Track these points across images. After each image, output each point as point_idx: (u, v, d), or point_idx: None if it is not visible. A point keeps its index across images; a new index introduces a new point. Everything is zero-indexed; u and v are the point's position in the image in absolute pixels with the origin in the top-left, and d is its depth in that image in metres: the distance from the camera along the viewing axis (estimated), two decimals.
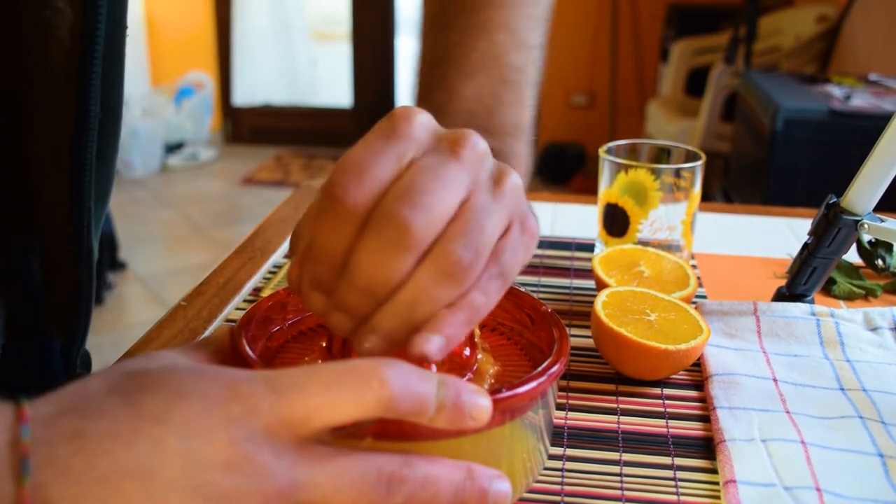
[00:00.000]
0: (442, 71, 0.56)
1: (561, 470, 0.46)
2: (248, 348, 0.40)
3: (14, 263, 0.52)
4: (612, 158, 0.69)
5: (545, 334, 0.44)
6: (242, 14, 4.49)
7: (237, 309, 0.65)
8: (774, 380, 0.54)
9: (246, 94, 4.62)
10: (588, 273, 0.72)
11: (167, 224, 3.43)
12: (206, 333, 0.61)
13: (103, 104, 0.48)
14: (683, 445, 0.48)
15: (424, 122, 0.38)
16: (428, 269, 0.35)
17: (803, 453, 0.46)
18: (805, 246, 0.63)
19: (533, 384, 0.38)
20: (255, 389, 0.31)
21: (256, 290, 0.68)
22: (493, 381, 0.43)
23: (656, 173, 0.67)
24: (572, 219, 0.86)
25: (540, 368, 0.39)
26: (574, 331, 0.61)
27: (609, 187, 0.69)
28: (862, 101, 1.89)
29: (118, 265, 2.85)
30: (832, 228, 0.60)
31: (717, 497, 0.43)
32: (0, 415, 0.29)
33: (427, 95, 0.57)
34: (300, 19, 4.66)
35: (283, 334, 0.47)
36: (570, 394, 0.53)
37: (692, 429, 0.50)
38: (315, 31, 4.83)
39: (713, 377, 0.54)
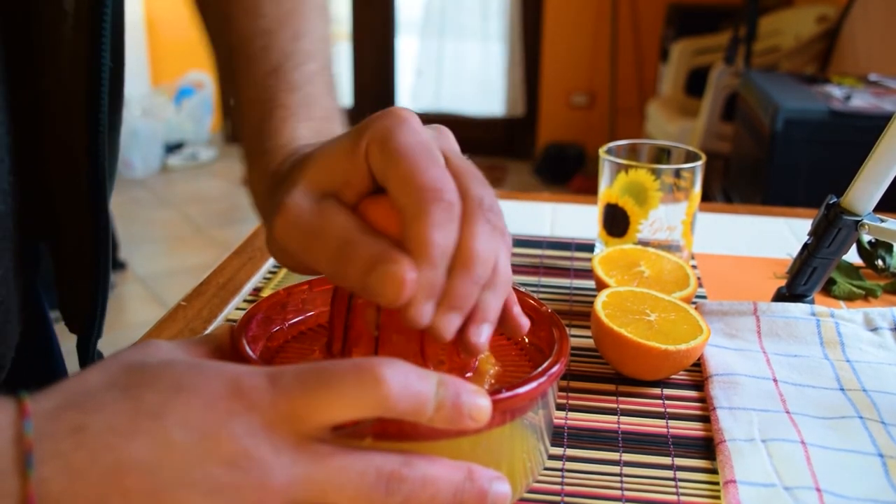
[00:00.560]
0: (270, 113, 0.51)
1: (561, 470, 0.46)
2: (248, 348, 0.40)
3: (31, 249, 0.53)
4: (612, 158, 0.69)
5: (545, 334, 0.44)
6: None
7: (237, 309, 0.65)
8: (774, 380, 0.54)
9: None
10: (588, 273, 0.72)
11: (167, 224, 3.43)
12: (206, 333, 0.61)
13: (111, 66, 0.49)
14: (683, 445, 0.48)
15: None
16: (503, 243, 0.37)
17: (803, 453, 0.46)
18: (805, 246, 0.63)
19: (533, 384, 0.38)
20: (256, 385, 0.31)
21: (256, 290, 0.68)
22: (493, 381, 0.43)
23: (656, 173, 0.67)
24: (572, 219, 0.86)
25: (540, 369, 0.39)
26: (574, 331, 0.61)
27: (609, 187, 0.69)
28: (862, 101, 1.89)
29: (118, 265, 2.85)
30: (832, 229, 0.60)
31: (717, 497, 0.43)
32: (2, 410, 0.29)
33: (262, 136, 0.51)
34: None
35: (283, 334, 0.47)
36: (570, 394, 0.53)
37: (692, 429, 0.50)
38: None
39: (713, 377, 0.54)
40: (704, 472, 0.46)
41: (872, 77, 2.19)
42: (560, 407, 0.52)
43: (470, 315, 0.36)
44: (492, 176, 3.97)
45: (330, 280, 0.38)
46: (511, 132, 4.28)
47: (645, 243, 0.68)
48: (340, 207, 0.38)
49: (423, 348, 0.39)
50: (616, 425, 0.50)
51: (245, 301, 0.67)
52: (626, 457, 0.47)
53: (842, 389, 0.53)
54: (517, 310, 0.42)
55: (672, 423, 0.50)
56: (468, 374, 0.42)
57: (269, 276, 0.71)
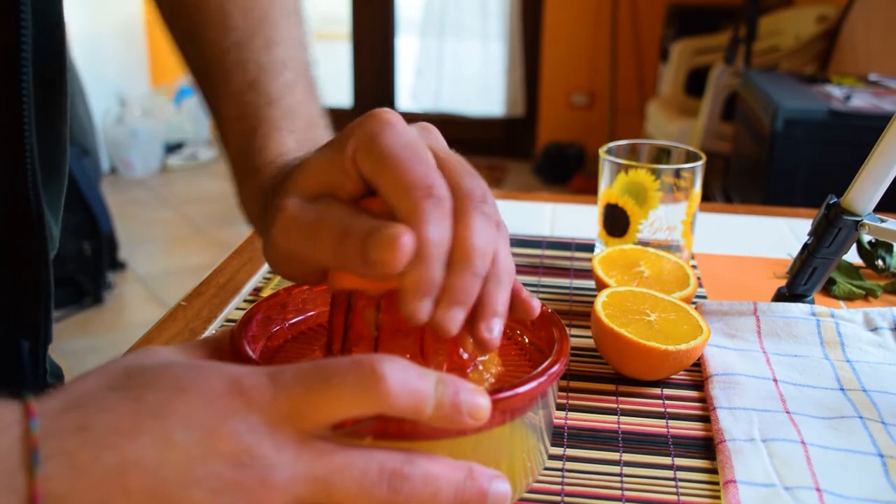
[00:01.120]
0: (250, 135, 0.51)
1: (561, 470, 0.46)
2: (248, 348, 0.40)
3: None
4: (612, 158, 0.69)
5: (545, 334, 0.44)
6: None
7: (237, 309, 0.65)
8: (774, 380, 0.54)
9: None
10: (588, 273, 0.72)
11: (167, 224, 3.43)
12: (206, 334, 0.61)
13: (37, 51, 0.47)
14: (683, 445, 0.48)
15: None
16: (501, 235, 0.37)
17: (803, 453, 0.46)
18: (805, 246, 0.63)
19: (533, 384, 0.38)
20: (257, 383, 0.31)
21: (256, 290, 0.68)
22: (493, 380, 0.43)
23: (656, 173, 0.67)
24: (572, 219, 0.86)
25: (540, 368, 0.39)
26: (574, 331, 0.61)
27: (609, 187, 0.69)
28: (862, 101, 1.89)
29: (118, 265, 2.85)
30: (832, 229, 0.60)
31: (717, 497, 0.43)
32: (8, 410, 0.29)
33: (254, 144, 0.50)
34: None
35: (283, 334, 0.47)
36: (570, 394, 0.53)
37: (692, 429, 0.50)
38: (315, 31, 4.82)
39: (713, 377, 0.54)
40: (704, 472, 0.46)
41: (872, 77, 2.19)
42: (560, 407, 0.52)
43: (479, 311, 0.36)
44: (492, 176, 3.98)
45: (335, 265, 0.38)
46: (511, 132, 4.28)
47: (645, 243, 0.68)
48: (337, 202, 0.38)
49: (423, 348, 0.39)
50: (616, 425, 0.50)
51: (245, 301, 0.67)
52: (626, 457, 0.47)
53: (842, 389, 0.53)
54: (525, 293, 0.42)
55: (672, 423, 0.50)
56: (468, 373, 0.42)
57: (269, 276, 0.71)
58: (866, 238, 0.72)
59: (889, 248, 0.72)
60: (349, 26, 4.38)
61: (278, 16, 0.53)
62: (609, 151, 0.71)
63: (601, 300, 0.56)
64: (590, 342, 0.59)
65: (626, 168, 0.68)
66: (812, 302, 0.64)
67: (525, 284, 0.69)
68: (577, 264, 0.74)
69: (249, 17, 0.51)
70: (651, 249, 0.66)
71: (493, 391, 0.36)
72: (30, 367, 0.55)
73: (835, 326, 0.59)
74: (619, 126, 4.00)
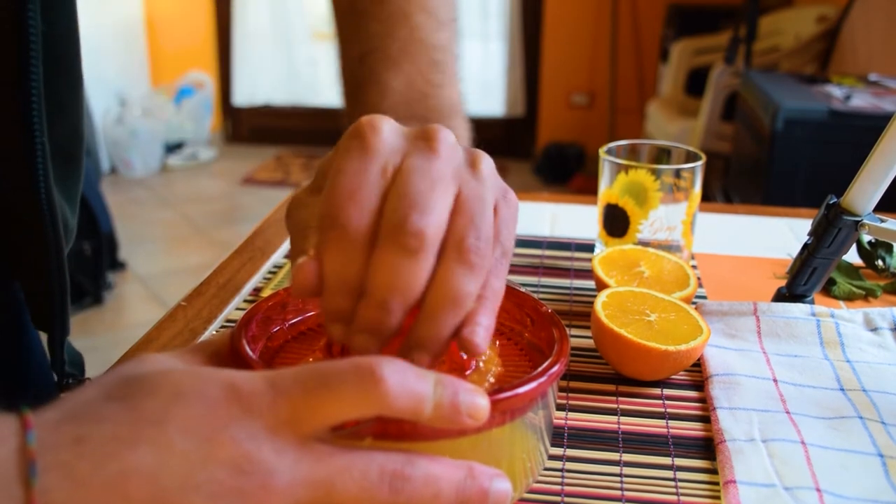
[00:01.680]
0: (368, 66, 0.55)
1: (561, 470, 0.46)
2: (248, 348, 0.40)
3: None
4: (612, 159, 0.69)
5: (545, 335, 0.44)
6: (242, 14, 4.49)
7: (237, 309, 0.65)
8: (774, 380, 0.54)
9: (246, 94, 4.61)
10: (588, 273, 0.72)
11: (167, 224, 3.43)
12: (206, 334, 0.61)
13: (50, 43, 0.47)
14: (683, 446, 0.48)
15: (391, 128, 0.38)
16: (452, 266, 0.35)
17: (803, 453, 0.46)
18: (805, 246, 0.63)
19: (533, 384, 0.38)
20: (254, 388, 0.31)
21: (256, 291, 0.68)
22: (493, 380, 0.43)
23: (656, 173, 0.67)
24: (572, 219, 0.86)
25: (540, 369, 0.39)
26: (574, 331, 0.61)
27: (609, 188, 0.69)
28: (862, 101, 1.89)
29: (118, 265, 2.85)
30: (832, 229, 0.60)
31: (717, 497, 0.43)
32: (4, 423, 0.29)
33: (360, 91, 0.56)
34: (300, 19, 4.65)
35: (284, 334, 0.47)
36: (570, 394, 0.53)
37: (692, 429, 0.50)
38: (315, 31, 4.82)
39: (713, 377, 0.54)
40: (704, 472, 0.46)
41: (872, 77, 2.19)
42: (560, 407, 0.52)
43: (405, 341, 0.36)
44: None
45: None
46: (511, 132, 4.28)
47: (645, 243, 0.68)
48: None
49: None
50: (616, 425, 0.50)
51: (245, 301, 0.67)
52: (626, 457, 0.47)
53: (842, 389, 0.53)
54: (469, 329, 0.36)
55: (672, 423, 0.50)
56: (468, 374, 0.42)
57: (269, 276, 0.71)
58: (866, 238, 0.72)
59: (889, 248, 0.72)
60: None
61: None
62: (609, 151, 0.71)
63: (601, 300, 0.56)
64: (590, 342, 0.59)
65: (626, 168, 0.68)
66: (812, 302, 0.64)
67: (525, 285, 0.69)
68: (577, 264, 0.74)
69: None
70: (651, 249, 0.66)
71: (493, 391, 0.36)
72: (48, 358, 0.55)
73: (835, 326, 0.59)
74: (619, 126, 4.00)
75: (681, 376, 0.56)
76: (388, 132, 0.38)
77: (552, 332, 0.43)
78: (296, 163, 4.29)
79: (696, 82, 3.19)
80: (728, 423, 0.48)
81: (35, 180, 0.48)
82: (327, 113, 4.65)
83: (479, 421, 0.33)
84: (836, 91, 1.98)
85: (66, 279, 0.53)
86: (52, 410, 0.30)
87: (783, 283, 0.65)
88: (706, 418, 0.51)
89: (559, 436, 0.49)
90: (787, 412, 0.50)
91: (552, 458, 0.46)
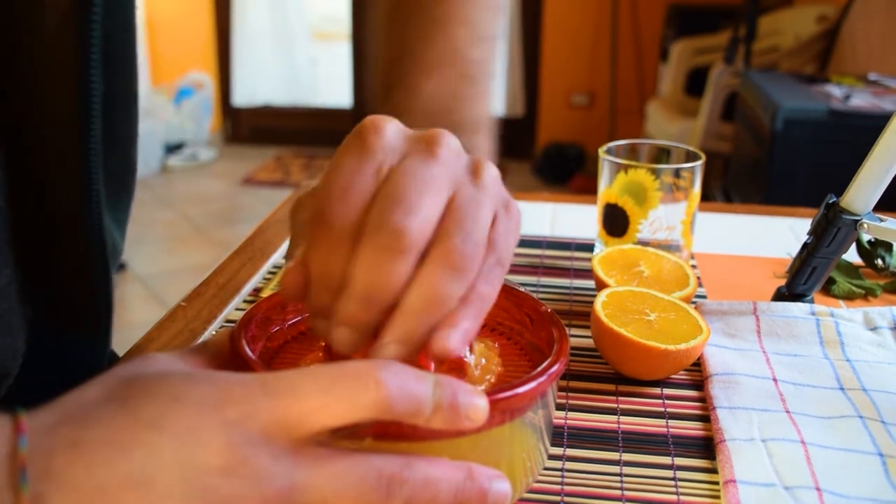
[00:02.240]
0: (402, 68, 0.56)
1: (561, 470, 0.46)
2: (247, 349, 0.40)
3: (31, 258, 0.51)
4: (612, 158, 0.69)
5: (545, 334, 0.44)
6: (242, 14, 4.49)
7: (237, 309, 0.65)
8: (774, 379, 0.54)
9: (246, 94, 4.62)
10: (588, 273, 0.72)
11: (167, 224, 3.43)
12: (206, 334, 0.61)
13: (112, 79, 0.48)
14: (683, 445, 0.48)
15: (394, 130, 0.38)
16: (434, 267, 0.35)
17: (803, 453, 0.46)
18: (805, 246, 0.63)
19: (533, 384, 0.38)
20: (251, 392, 0.31)
21: (256, 291, 0.68)
22: (493, 380, 0.43)
23: (656, 173, 0.67)
24: (572, 219, 0.86)
25: (540, 368, 0.39)
26: (574, 331, 0.61)
27: (609, 187, 0.69)
28: (862, 100, 1.89)
29: (118, 265, 2.85)
30: (832, 228, 0.60)
31: (717, 497, 0.43)
32: None
33: (388, 94, 0.56)
34: (300, 19, 4.66)
35: (283, 334, 0.47)
36: (570, 394, 0.53)
37: (692, 429, 0.50)
38: (315, 31, 4.83)
39: (713, 377, 0.54)
40: (704, 472, 0.46)
41: (872, 77, 2.19)
42: (560, 407, 0.52)
43: (381, 334, 0.36)
44: None
45: None
46: (511, 132, 4.28)
47: (645, 243, 0.68)
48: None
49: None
50: (616, 425, 0.50)
51: (245, 301, 0.67)
52: (626, 457, 0.47)
53: (842, 389, 0.53)
54: (444, 331, 0.36)
55: (672, 422, 0.50)
56: (468, 374, 0.42)
57: (269, 276, 0.71)
58: (866, 237, 0.72)
59: (889, 247, 0.72)
60: (349, 26, 4.38)
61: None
62: (609, 151, 0.71)
63: (601, 300, 0.56)
64: (590, 342, 0.59)
65: (626, 168, 0.68)
66: (812, 301, 0.64)
67: (525, 284, 0.70)
68: (576, 264, 0.74)
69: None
70: (651, 249, 0.66)
71: (492, 391, 0.36)
72: (90, 367, 0.56)
73: (834, 326, 0.59)
74: (619, 126, 4.00)
75: (681, 376, 0.56)
76: (390, 133, 0.38)
77: (552, 332, 0.43)
78: (296, 163, 4.29)
79: (695, 82, 3.19)
80: (728, 422, 0.48)
81: (89, 212, 0.49)
82: (327, 113, 4.65)
83: (477, 422, 0.33)
84: (835, 91, 1.98)
85: (111, 298, 0.54)
86: (50, 411, 0.30)
87: (783, 282, 0.65)
88: (706, 418, 0.51)
89: (559, 435, 0.49)
90: (787, 411, 0.50)
91: (552, 457, 0.46)
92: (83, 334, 0.55)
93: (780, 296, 0.65)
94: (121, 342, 0.60)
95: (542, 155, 4.03)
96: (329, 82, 4.82)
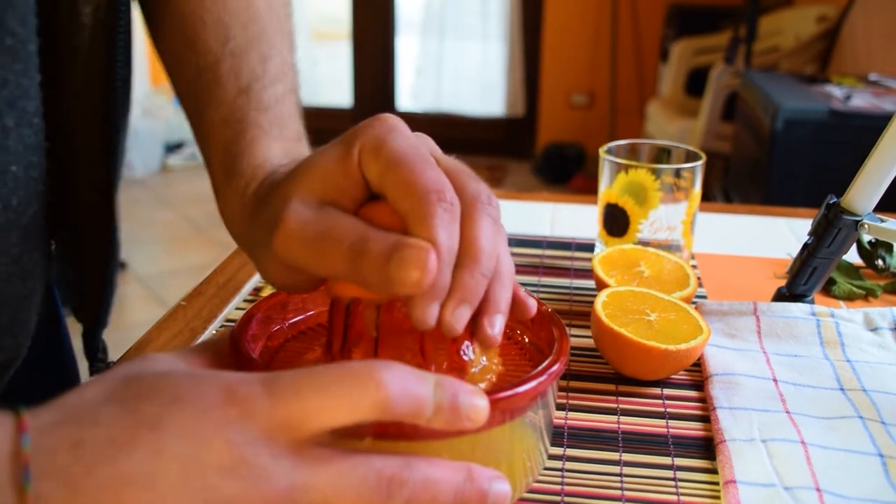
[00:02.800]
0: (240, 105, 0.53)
1: (561, 470, 0.46)
2: (248, 348, 0.39)
3: (53, 246, 0.55)
4: (612, 158, 0.69)
5: (545, 334, 0.44)
6: None
7: (237, 309, 0.65)
8: (774, 380, 0.54)
9: None
10: (588, 273, 0.72)
11: (167, 224, 3.43)
12: (206, 334, 0.61)
13: (123, 66, 0.51)
14: (683, 445, 0.48)
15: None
16: (502, 236, 0.38)
17: (803, 453, 0.46)
18: (805, 246, 0.63)
19: (533, 384, 0.38)
20: (252, 392, 0.31)
21: (256, 290, 0.68)
22: (493, 379, 0.43)
23: (656, 173, 0.67)
24: (572, 219, 0.86)
25: (540, 368, 0.39)
26: (574, 331, 0.61)
27: (609, 187, 0.69)
28: (862, 101, 1.89)
29: (118, 265, 2.85)
30: (832, 228, 0.60)
31: (717, 497, 0.43)
32: (0, 425, 0.29)
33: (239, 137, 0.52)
34: (300, 19, 4.65)
35: (284, 333, 0.47)
36: (570, 394, 0.53)
37: (692, 429, 0.50)
38: (315, 31, 4.83)
39: (713, 377, 0.54)
40: (704, 472, 0.46)
41: (872, 77, 2.19)
42: (560, 407, 0.52)
43: (483, 308, 0.37)
44: (492, 176, 3.98)
45: (348, 280, 0.38)
46: (511, 132, 4.28)
47: (645, 243, 0.68)
48: (342, 212, 0.38)
49: (423, 347, 0.39)
50: (616, 425, 0.50)
51: (245, 301, 0.67)
52: (626, 457, 0.47)
53: (842, 389, 0.53)
54: (522, 293, 0.42)
55: (672, 423, 0.50)
56: (468, 373, 0.42)
57: None
58: (866, 238, 0.72)
59: (889, 247, 0.72)
60: (349, 26, 4.38)
61: (275, 34, 0.54)
62: (609, 151, 0.71)
63: (601, 300, 0.56)
64: (590, 342, 0.59)
65: (626, 168, 0.68)
66: (812, 302, 0.64)
67: (525, 284, 0.69)
68: (577, 264, 0.74)
69: (248, 31, 0.52)
70: (651, 249, 0.66)
71: (492, 391, 0.36)
72: (91, 347, 0.60)
73: (835, 326, 0.59)
74: (619, 126, 4.00)
75: (681, 376, 0.56)
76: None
77: (552, 332, 0.43)
78: None
79: (696, 82, 3.19)
80: (728, 422, 0.48)
81: (110, 204, 0.54)
82: (327, 113, 4.65)
83: (478, 422, 0.33)
84: (836, 91, 1.98)
85: (115, 286, 0.58)
86: (50, 410, 0.30)
87: (783, 282, 0.65)
88: (706, 418, 0.51)
89: (559, 435, 0.49)
90: (787, 412, 0.50)
91: (552, 457, 0.46)
92: (84, 318, 0.58)
93: (780, 296, 0.65)
94: (121, 342, 0.60)
95: (543, 155, 4.03)
96: (329, 82, 4.82)
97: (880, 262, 0.72)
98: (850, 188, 0.60)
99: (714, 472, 0.46)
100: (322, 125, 5.14)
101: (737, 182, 2.28)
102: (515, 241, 0.78)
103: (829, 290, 0.68)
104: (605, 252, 0.66)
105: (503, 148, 4.27)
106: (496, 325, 0.37)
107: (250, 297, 0.67)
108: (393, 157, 0.36)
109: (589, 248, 0.77)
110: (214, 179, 0.50)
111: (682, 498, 0.44)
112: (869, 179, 0.59)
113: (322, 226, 0.37)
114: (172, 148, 4.20)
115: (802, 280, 0.63)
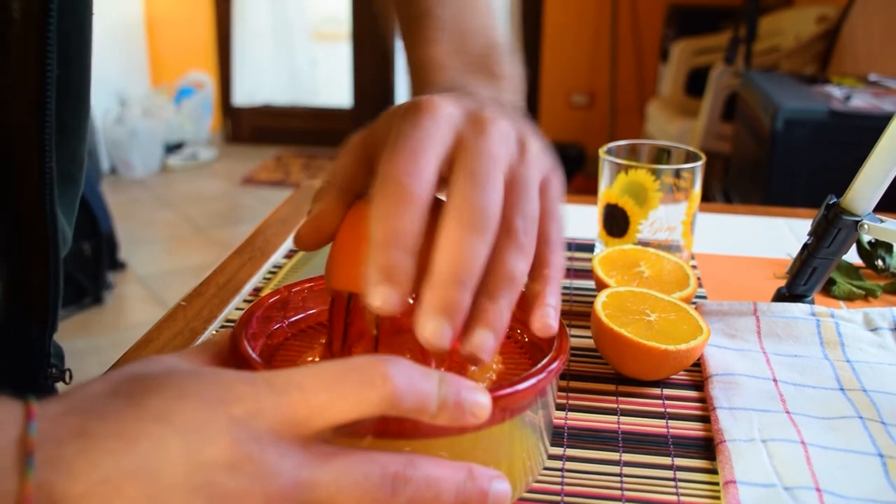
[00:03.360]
0: (419, 3, 0.58)
1: (561, 470, 0.46)
2: (248, 346, 0.40)
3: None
4: (612, 159, 0.69)
5: None
6: (242, 14, 4.49)
7: (237, 309, 0.65)
8: (774, 380, 0.54)
9: (246, 94, 4.62)
10: (588, 273, 0.72)
11: (167, 224, 3.43)
12: (207, 333, 0.61)
13: (65, 76, 0.50)
14: (683, 445, 0.48)
15: (452, 105, 0.40)
16: (510, 247, 0.37)
17: (803, 453, 0.46)
18: (805, 246, 0.63)
19: (533, 381, 0.38)
20: (257, 390, 0.31)
21: (256, 290, 0.68)
22: (493, 377, 0.43)
23: (656, 174, 0.67)
24: (572, 219, 0.86)
25: (539, 365, 0.39)
26: (574, 331, 0.61)
27: (609, 187, 0.69)
28: (862, 101, 1.89)
29: (118, 265, 2.85)
30: (832, 229, 0.60)
31: (717, 497, 0.43)
32: (8, 410, 0.29)
33: (412, 28, 0.58)
34: (300, 19, 4.66)
35: (284, 332, 0.47)
36: (570, 394, 0.53)
37: (692, 429, 0.50)
38: (315, 31, 4.83)
39: (713, 377, 0.54)
40: (704, 472, 0.46)
41: (872, 77, 2.19)
42: (560, 407, 0.52)
43: (469, 323, 0.36)
44: None
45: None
46: None
47: (645, 243, 0.68)
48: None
49: (424, 346, 0.39)
50: (616, 425, 0.50)
51: (245, 301, 0.67)
52: (626, 457, 0.47)
53: (842, 389, 0.53)
54: (542, 310, 0.39)
55: (672, 423, 0.50)
56: (469, 371, 0.42)
57: (269, 276, 0.71)
58: (866, 238, 0.72)
59: (889, 248, 0.72)
60: (349, 26, 4.38)
61: None
62: (609, 151, 0.71)
63: (601, 300, 0.56)
64: (590, 342, 0.59)
65: (626, 168, 0.68)
66: (812, 302, 0.64)
67: None
68: (577, 264, 0.74)
69: None
70: (651, 249, 0.66)
71: (493, 388, 0.36)
72: (36, 350, 0.58)
73: (835, 326, 0.59)
74: (619, 126, 4.00)
75: (681, 376, 0.56)
76: (449, 108, 0.39)
77: None
78: (296, 163, 4.29)
79: (696, 82, 3.19)
80: (728, 423, 0.48)
81: (42, 199, 0.51)
82: (327, 113, 4.65)
83: (481, 419, 0.34)
84: (836, 91, 1.98)
85: (60, 282, 0.56)
86: (58, 402, 0.30)
87: (783, 283, 0.65)
88: (706, 418, 0.51)
89: (559, 435, 0.49)
90: (787, 412, 0.50)
91: (552, 457, 0.46)
92: (31, 323, 0.57)
93: (780, 296, 0.65)
94: (121, 342, 0.61)
95: None
96: (329, 82, 4.82)
97: (880, 262, 0.72)
98: (849, 188, 0.60)
99: (714, 472, 0.46)
100: (322, 125, 5.13)
101: (737, 182, 2.28)
102: None
103: (829, 290, 0.68)
104: (604, 252, 0.66)
105: None
106: (487, 342, 0.36)
107: (250, 297, 0.67)
108: (393, 139, 0.38)
109: (589, 248, 0.77)
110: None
111: (682, 498, 0.44)
112: (869, 179, 0.59)
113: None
114: (172, 148, 4.20)
115: (802, 280, 0.63)
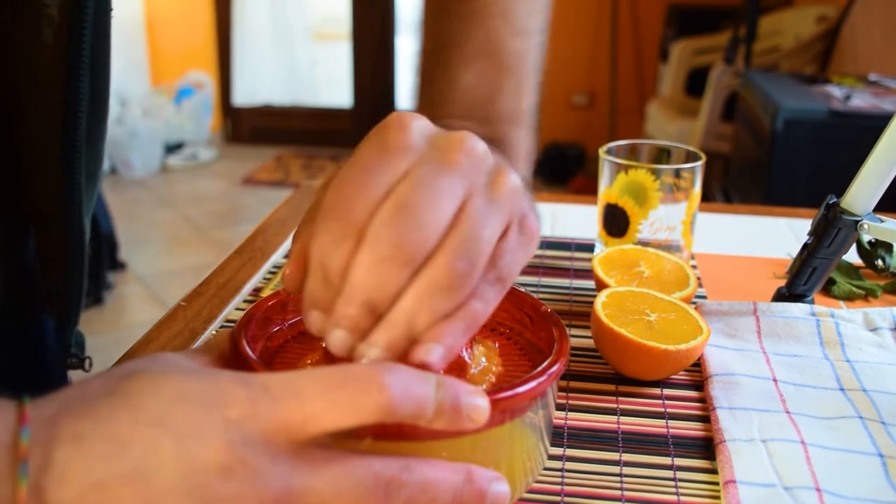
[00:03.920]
0: (442, 58, 0.56)
1: (561, 470, 0.46)
2: (247, 348, 0.40)
3: (10, 245, 0.55)
4: (612, 158, 0.69)
5: (545, 334, 0.44)
6: (242, 14, 4.49)
7: (237, 309, 0.65)
8: (774, 380, 0.54)
9: (246, 94, 4.62)
10: (588, 273, 0.72)
11: (167, 224, 3.43)
12: (207, 334, 0.61)
13: (91, 85, 0.51)
14: (683, 445, 0.48)
15: (419, 129, 0.37)
16: (424, 282, 0.35)
17: (803, 453, 0.46)
18: (805, 246, 0.63)
19: (532, 384, 0.38)
20: (253, 394, 0.31)
21: (256, 291, 0.68)
22: (493, 380, 0.43)
23: (656, 173, 0.67)
24: (572, 219, 0.86)
25: (539, 368, 0.39)
26: (574, 331, 0.61)
27: (609, 187, 0.69)
28: (862, 101, 1.89)
29: (118, 265, 2.85)
30: (832, 229, 0.60)
31: (717, 497, 0.43)
32: (1, 416, 0.29)
33: (428, 83, 0.57)
34: (300, 19, 4.66)
35: (283, 334, 0.47)
36: (570, 394, 0.53)
37: (692, 429, 0.50)
38: (315, 31, 4.83)
39: (713, 377, 0.54)
40: (704, 472, 0.46)
41: (872, 77, 2.19)
42: (560, 407, 0.52)
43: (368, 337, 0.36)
44: None
45: None
46: None
47: (645, 243, 0.68)
48: None
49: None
50: (616, 425, 0.50)
51: (245, 301, 0.67)
52: (626, 457, 0.47)
53: (842, 389, 0.53)
54: (421, 348, 0.36)
55: (672, 423, 0.50)
56: (468, 373, 0.42)
57: (269, 276, 0.71)
58: (866, 238, 0.72)
59: (889, 248, 0.72)
60: (349, 26, 4.38)
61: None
62: (609, 151, 0.71)
63: (601, 300, 0.56)
64: (590, 342, 0.59)
65: (626, 168, 0.68)
66: (812, 302, 0.64)
67: (525, 284, 0.69)
68: (577, 264, 0.74)
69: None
70: (651, 249, 0.66)
71: (492, 391, 0.36)
72: (55, 341, 0.60)
73: (835, 326, 0.59)
74: (619, 126, 4.00)
75: (681, 376, 0.56)
76: (415, 131, 0.37)
77: (552, 332, 0.43)
78: (296, 163, 4.29)
79: (696, 82, 3.19)
80: (728, 422, 0.48)
81: (71, 198, 0.53)
82: (327, 113, 4.65)
83: (478, 423, 0.34)
84: (835, 91, 1.98)
85: (84, 277, 0.58)
86: (53, 402, 0.30)
87: (783, 283, 0.65)
88: (706, 418, 0.51)
89: (559, 436, 0.49)
90: (787, 412, 0.50)
91: (552, 458, 0.46)
92: (54, 318, 0.59)
93: (780, 296, 0.65)
94: (121, 342, 0.61)
95: (542, 155, 4.03)
96: (329, 82, 4.82)
97: (880, 262, 0.72)
98: (849, 188, 0.60)
99: (714, 472, 0.46)
100: (322, 125, 5.13)
101: (737, 182, 2.28)
102: None
103: (828, 290, 0.68)
104: (604, 252, 0.66)
105: None
106: (370, 356, 0.36)
107: (250, 298, 0.67)
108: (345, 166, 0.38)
109: (589, 248, 0.77)
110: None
111: (682, 498, 0.44)
112: (869, 179, 0.59)
113: None
114: (172, 148, 4.19)
115: (802, 280, 0.63)
